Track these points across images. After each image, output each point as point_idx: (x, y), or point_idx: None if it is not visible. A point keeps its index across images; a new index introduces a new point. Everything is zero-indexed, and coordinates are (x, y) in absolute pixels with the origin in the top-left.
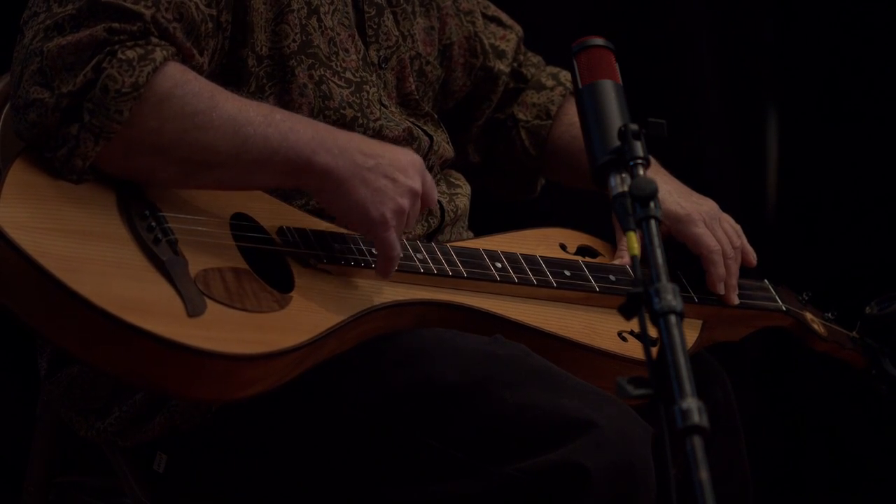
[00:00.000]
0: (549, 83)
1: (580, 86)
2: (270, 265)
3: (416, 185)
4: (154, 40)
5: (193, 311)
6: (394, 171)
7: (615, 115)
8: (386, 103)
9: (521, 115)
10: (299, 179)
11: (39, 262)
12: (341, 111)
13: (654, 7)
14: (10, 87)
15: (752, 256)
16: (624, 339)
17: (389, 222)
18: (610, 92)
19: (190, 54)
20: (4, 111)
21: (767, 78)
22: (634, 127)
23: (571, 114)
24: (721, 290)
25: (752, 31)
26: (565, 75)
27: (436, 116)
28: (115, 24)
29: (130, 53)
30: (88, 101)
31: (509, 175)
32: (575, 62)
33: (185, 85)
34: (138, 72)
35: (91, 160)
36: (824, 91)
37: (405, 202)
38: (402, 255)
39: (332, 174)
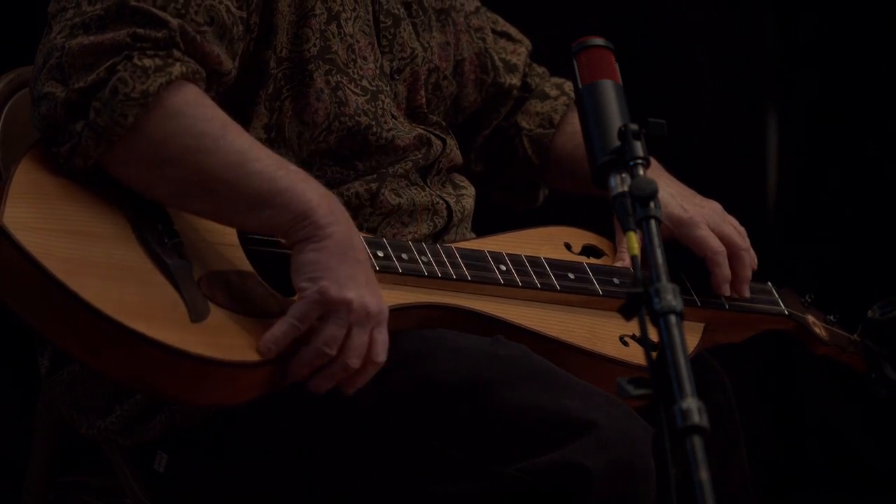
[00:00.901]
0: (553, 93)
1: (580, 86)
2: (275, 267)
3: (374, 309)
4: (177, 54)
5: (197, 316)
6: (371, 286)
7: (615, 115)
8: (395, 114)
9: (524, 124)
10: (292, 223)
11: (43, 263)
12: (356, 118)
13: (655, 8)
14: (30, 79)
15: (754, 261)
16: (625, 343)
17: (341, 311)
18: (610, 92)
19: (217, 62)
20: (5, 111)
21: (767, 78)
22: (634, 127)
23: (574, 123)
24: (727, 291)
25: (752, 32)
26: (569, 86)
27: (444, 124)
28: (140, 30)
29: (148, 62)
30: (96, 100)
31: (511, 183)
32: (575, 62)
33: (199, 108)
34: (151, 80)
35: (91, 162)
36: (824, 92)
37: (372, 307)
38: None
39: (325, 231)
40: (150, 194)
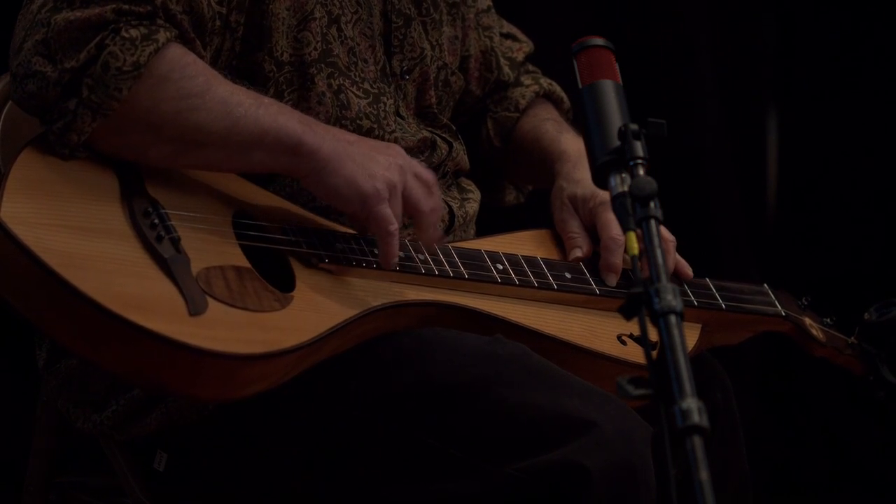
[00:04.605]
0: (527, 82)
1: (580, 86)
2: (272, 264)
3: (400, 160)
4: (160, 21)
5: (195, 309)
6: (375, 149)
7: (615, 115)
8: (403, 114)
9: (492, 107)
10: (289, 160)
11: (42, 258)
12: (358, 122)
13: (655, 8)
14: (11, 52)
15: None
16: (623, 342)
17: (381, 194)
18: (610, 92)
19: (192, 45)
20: (4, 112)
21: (767, 78)
22: (634, 127)
23: (539, 110)
24: (612, 281)
25: (752, 33)
26: (547, 80)
27: (454, 128)
28: (125, 6)
29: (134, 32)
30: (88, 77)
31: (477, 169)
32: (575, 62)
33: (183, 68)
34: (140, 51)
35: (86, 136)
36: (824, 91)
37: (393, 175)
38: (399, 242)
39: (321, 152)
40: (144, 158)
